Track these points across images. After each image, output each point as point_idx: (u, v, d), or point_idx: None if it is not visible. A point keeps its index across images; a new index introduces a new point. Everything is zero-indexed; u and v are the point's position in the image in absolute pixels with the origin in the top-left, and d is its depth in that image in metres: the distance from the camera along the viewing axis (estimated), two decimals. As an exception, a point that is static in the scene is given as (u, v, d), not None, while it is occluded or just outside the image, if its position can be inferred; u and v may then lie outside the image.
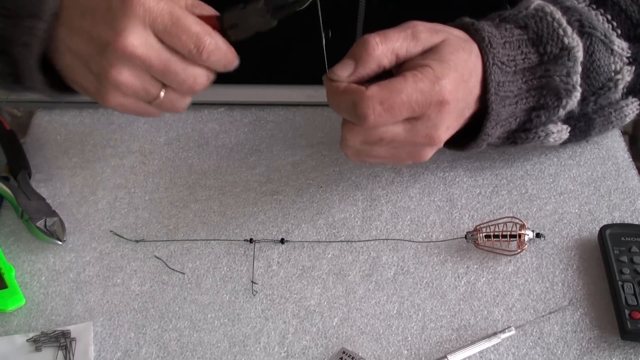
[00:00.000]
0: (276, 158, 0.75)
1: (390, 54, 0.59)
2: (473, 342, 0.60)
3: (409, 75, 0.58)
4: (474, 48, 0.62)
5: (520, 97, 0.65)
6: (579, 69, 0.65)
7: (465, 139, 0.66)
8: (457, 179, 0.73)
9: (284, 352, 0.60)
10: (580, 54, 0.65)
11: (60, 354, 0.60)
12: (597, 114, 0.70)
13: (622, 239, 0.65)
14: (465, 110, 0.63)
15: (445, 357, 0.59)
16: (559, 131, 0.69)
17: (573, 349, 0.60)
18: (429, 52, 0.61)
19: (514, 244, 0.65)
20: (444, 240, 0.68)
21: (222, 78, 0.67)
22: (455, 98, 0.60)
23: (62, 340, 0.60)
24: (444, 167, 0.74)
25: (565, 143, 0.72)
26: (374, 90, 0.57)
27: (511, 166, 0.74)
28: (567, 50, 0.64)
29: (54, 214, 0.69)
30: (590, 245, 0.67)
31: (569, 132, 0.70)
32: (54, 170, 0.75)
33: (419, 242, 0.68)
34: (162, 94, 0.61)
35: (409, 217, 0.70)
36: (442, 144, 0.63)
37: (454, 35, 0.62)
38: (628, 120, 0.72)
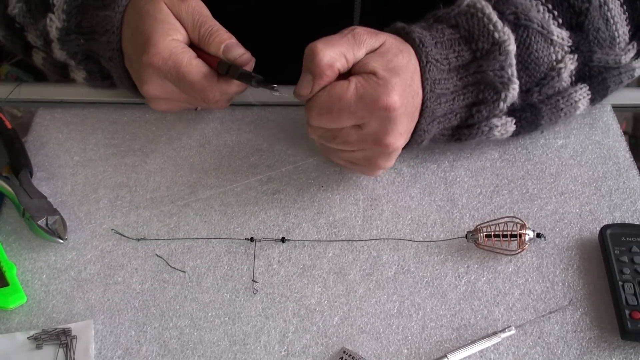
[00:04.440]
0: (277, 157, 0.75)
1: (340, 56, 0.60)
2: (473, 342, 0.60)
3: (352, 80, 0.60)
4: (411, 51, 0.63)
5: (457, 93, 0.66)
6: (513, 61, 0.66)
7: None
8: (458, 179, 0.73)
9: (284, 351, 0.60)
10: (512, 47, 0.65)
11: (61, 351, 0.60)
12: (544, 104, 0.71)
13: (623, 239, 0.65)
14: (415, 113, 0.64)
15: (446, 356, 0.59)
16: (504, 124, 0.70)
17: (573, 348, 0.60)
18: (373, 54, 0.62)
19: (514, 244, 0.65)
20: (444, 240, 0.68)
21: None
22: (403, 103, 0.61)
23: (62, 338, 0.61)
24: (444, 167, 0.74)
25: (515, 135, 0.72)
26: (315, 97, 0.61)
27: (512, 166, 0.74)
28: (497, 45, 0.65)
29: (55, 212, 0.69)
30: (591, 245, 0.67)
31: (515, 124, 0.71)
32: (55, 169, 0.75)
33: (419, 241, 0.68)
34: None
35: (409, 216, 0.70)
36: (397, 150, 0.64)
37: (392, 38, 0.63)
38: (581, 106, 0.73)
